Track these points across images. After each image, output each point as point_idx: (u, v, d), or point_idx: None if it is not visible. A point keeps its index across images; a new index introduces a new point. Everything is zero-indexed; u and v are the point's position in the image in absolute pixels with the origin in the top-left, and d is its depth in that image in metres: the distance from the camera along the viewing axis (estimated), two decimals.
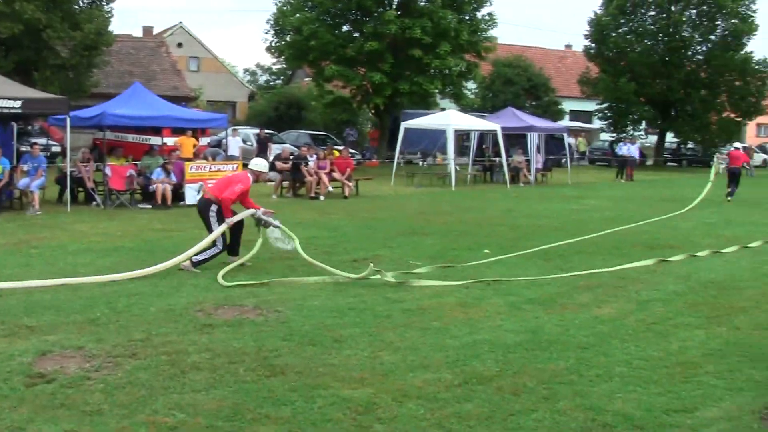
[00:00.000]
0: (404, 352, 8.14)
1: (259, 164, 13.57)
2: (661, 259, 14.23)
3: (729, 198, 27.95)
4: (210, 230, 12.64)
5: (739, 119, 53.10)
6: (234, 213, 12.83)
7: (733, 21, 49.73)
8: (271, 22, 42.75)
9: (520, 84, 55.14)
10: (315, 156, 26.74)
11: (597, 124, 58.13)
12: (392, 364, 7.75)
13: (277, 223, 13.11)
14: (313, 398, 6.71)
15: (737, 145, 38.79)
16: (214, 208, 12.65)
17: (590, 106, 57.47)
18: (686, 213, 22.90)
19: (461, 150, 38.55)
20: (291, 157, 27.07)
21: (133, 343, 8.20)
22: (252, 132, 38.70)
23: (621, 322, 9.70)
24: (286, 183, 26.18)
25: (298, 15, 39.94)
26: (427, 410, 6.53)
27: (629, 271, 13.12)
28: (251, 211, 12.98)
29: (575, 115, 64.35)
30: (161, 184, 21.52)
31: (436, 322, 9.38)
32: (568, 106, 61.95)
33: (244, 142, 35.21)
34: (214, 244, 12.51)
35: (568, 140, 40.08)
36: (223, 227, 12.53)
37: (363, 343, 8.42)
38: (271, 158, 29.33)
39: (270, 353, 7.98)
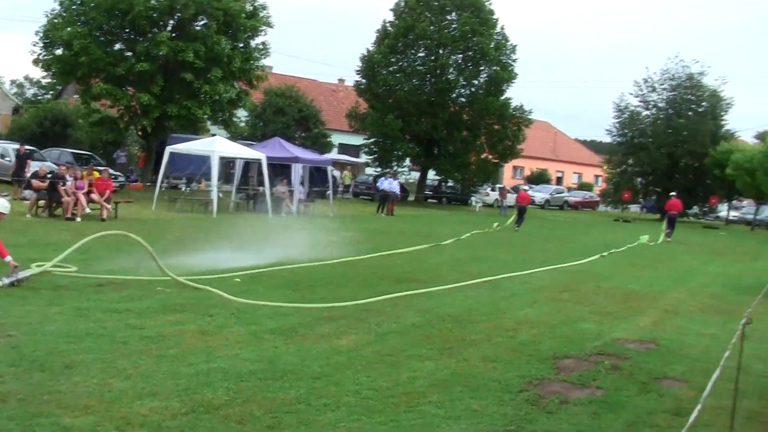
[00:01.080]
0: (135, 380, 8.13)
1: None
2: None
3: (516, 228, 35.88)
4: None
5: (497, 161, 55.71)
6: None
7: (494, 68, 52.30)
8: (41, 34, 41.09)
9: (291, 114, 55.59)
10: (73, 176, 25.99)
11: (364, 158, 59.39)
12: (121, 391, 7.73)
13: (28, 274, 12.68)
14: (32, 427, 6.61)
15: (524, 186, 43.35)
16: None
17: (358, 140, 58.53)
18: (435, 249, 23.84)
19: (227, 177, 38.50)
20: (48, 175, 26.18)
21: None
22: (12, 147, 37.00)
23: (357, 353, 10.08)
24: (42, 202, 25.28)
25: (69, 29, 38.59)
26: None
27: (373, 303, 13.57)
28: None
29: (344, 148, 65.63)
30: None
31: (173, 350, 9.41)
32: (337, 139, 63.09)
33: (2, 157, 33.80)
34: None
35: (334, 173, 40.72)
36: None
37: (95, 370, 8.35)
38: (28, 175, 28.31)
39: None
